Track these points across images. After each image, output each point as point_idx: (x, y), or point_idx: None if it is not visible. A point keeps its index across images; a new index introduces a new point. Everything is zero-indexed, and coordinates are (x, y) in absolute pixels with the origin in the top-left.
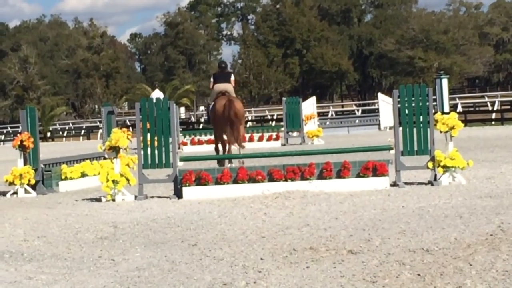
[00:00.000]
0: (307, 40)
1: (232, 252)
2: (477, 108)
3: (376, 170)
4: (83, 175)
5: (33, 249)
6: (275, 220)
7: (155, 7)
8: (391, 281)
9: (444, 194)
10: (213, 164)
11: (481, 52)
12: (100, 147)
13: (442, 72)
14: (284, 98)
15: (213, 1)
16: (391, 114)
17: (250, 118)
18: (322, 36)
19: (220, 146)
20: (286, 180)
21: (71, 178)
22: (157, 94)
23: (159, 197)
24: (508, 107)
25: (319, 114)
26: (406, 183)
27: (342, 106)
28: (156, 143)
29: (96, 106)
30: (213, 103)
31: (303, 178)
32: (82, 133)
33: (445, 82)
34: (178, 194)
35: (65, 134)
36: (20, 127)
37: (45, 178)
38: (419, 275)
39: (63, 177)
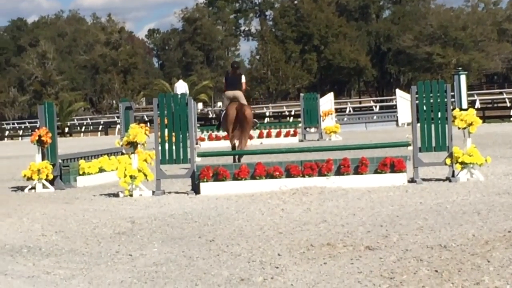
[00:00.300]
0: (325, 36)
1: (250, 248)
2: (495, 105)
3: (394, 166)
4: (101, 170)
5: (51, 244)
6: (292, 216)
7: (173, 2)
8: (408, 277)
9: (462, 190)
10: (231, 159)
11: (500, 48)
12: (118, 142)
13: (460, 68)
14: (302, 94)
15: None
16: (409, 110)
17: (267, 114)
18: (340, 32)
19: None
20: (303, 176)
21: (89, 173)
22: (180, 84)
23: (177, 192)
24: None
25: (336, 110)
26: (424, 180)
27: (360, 102)
28: (174, 138)
29: (114, 102)
30: (225, 110)
31: (320, 174)
32: (100, 128)
33: (463, 78)
34: (196, 189)
35: (83, 129)
36: (38, 122)
37: (63, 173)
38: (436, 271)
39: (81, 172)
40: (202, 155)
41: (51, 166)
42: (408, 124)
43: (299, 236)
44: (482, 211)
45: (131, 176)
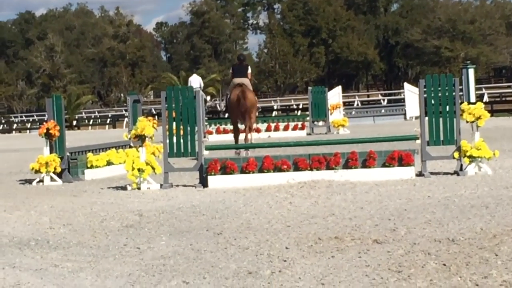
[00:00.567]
0: (333, 29)
1: (257, 241)
2: (503, 98)
3: (402, 160)
4: (109, 163)
5: (58, 237)
6: (300, 209)
7: None
8: (416, 271)
9: (470, 184)
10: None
11: (508, 42)
12: (126, 135)
13: (468, 62)
14: (309, 88)
15: None
16: (417, 104)
17: (275, 107)
18: (348, 26)
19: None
20: (311, 170)
21: (96, 167)
22: (194, 78)
23: (185, 185)
24: None
25: (344, 103)
26: (431, 173)
27: (368, 96)
28: (181, 132)
29: (122, 95)
30: (229, 94)
31: (328, 168)
32: (107, 121)
33: (471, 72)
34: (204, 182)
35: (90, 122)
36: (46, 115)
37: (71, 166)
38: (444, 265)
39: (88, 165)
40: (210, 148)
41: (59, 159)
42: (416, 118)
43: (307, 230)
44: (490, 205)
45: (139, 169)
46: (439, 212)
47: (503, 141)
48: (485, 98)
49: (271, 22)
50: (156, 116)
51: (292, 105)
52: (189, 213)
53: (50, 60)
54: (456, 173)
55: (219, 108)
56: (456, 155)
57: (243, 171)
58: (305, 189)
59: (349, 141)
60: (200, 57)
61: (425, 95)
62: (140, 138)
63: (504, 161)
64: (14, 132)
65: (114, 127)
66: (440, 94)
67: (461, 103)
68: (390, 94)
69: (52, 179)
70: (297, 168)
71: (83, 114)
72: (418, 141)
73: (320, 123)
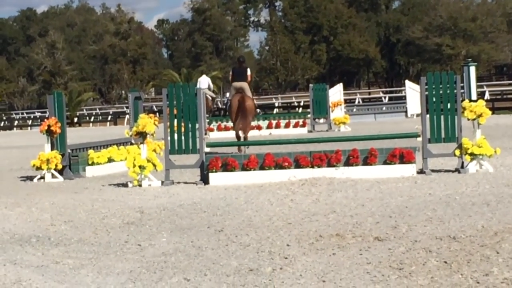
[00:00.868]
0: (334, 27)
1: (259, 238)
2: (505, 96)
3: (403, 157)
4: (110, 160)
5: (60, 234)
6: (301, 206)
7: None
8: (417, 268)
9: (471, 181)
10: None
11: (509, 39)
12: (127, 132)
13: (469, 59)
14: (311, 85)
15: None
16: (418, 101)
17: (277, 104)
18: (350, 23)
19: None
20: (312, 167)
21: (98, 163)
22: (204, 79)
23: (186, 182)
24: None
25: (346, 101)
26: (433, 171)
27: (369, 93)
28: (183, 129)
29: (123, 92)
30: (230, 100)
31: (329, 165)
32: (109, 118)
33: (472, 69)
34: (205, 180)
35: (92, 119)
36: (48, 112)
37: (72, 163)
38: (445, 262)
39: (90, 162)
40: (211, 145)
41: (60, 156)
42: (417, 115)
43: (308, 227)
44: (491, 203)
45: (140, 166)
46: (440, 209)
47: (504, 138)
48: (486, 96)
49: (273, 19)
50: (157, 113)
51: (293, 102)
52: (190, 210)
53: (51, 57)
54: (457, 170)
55: (220, 105)
56: (457, 152)
57: (244, 168)
58: (306, 187)
59: (350, 139)
60: (201, 55)
61: (427, 93)
62: (141, 135)
63: (506, 158)
64: (15, 129)
65: (115, 124)
66: (441, 92)
67: (462, 100)
68: (391, 92)
69: (53, 176)
70: (298, 166)
71: (84, 111)
72: (419, 139)
73: (321, 120)
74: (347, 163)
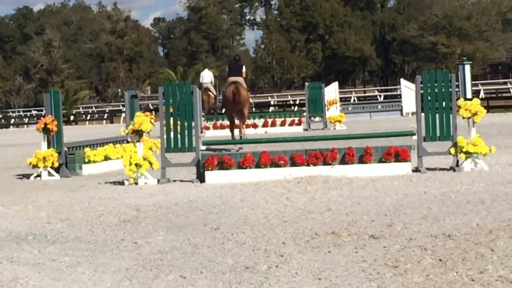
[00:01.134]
0: (330, 25)
1: (254, 236)
2: (499, 95)
3: (398, 155)
4: (106, 158)
5: (56, 232)
6: (297, 204)
7: None
8: (412, 266)
9: (466, 180)
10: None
11: (504, 38)
12: (124, 130)
13: (464, 58)
14: (306, 83)
15: None
16: (413, 99)
17: (272, 103)
18: (345, 22)
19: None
20: (308, 165)
21: (94, 161)
22: (206, 74)
23: (182, 181)
24: None
25: (341, 99)
26: (428, 169)
27: (365, 92)
28: (179, 127)
29: (119, 90)
30: (224, 91)
31: (325, 163)
32: (105, 116)
33: (467, 68)
34: (201, 178)
35: (88, 117)
36: (44, 110)
37: (69, 161)
38: (440, 260)
39: (86, 160)
40: (207, 143)
41: (57, 154)
42: (413, 114)
43: (303, 225)
44: (486, 201)
45: (136, 164)
46: (435, 207)
47: (499, 137)
48: (481, 94)
49: (268, 18)
50: (154, 111)
51: (289, 100)
52: (186, 208)
53: (48, 55)
54: (452, 169)
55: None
56: (453, 151)
57: (240, 166)
58: (302, 185)
59: (346, 137)
60: (197, 53)
61: (422, 91)
62: (138, 133)
63: (500, 157)
64: (11, 127)
65: (112, 122)
66: (436, 90)
67: (457, 99)
68: (386, 90)
69: (49, 174)
70: (294, 164)
71: (81, 109)
72: (415, 137)
73: (317, 118)
74: (343, 162)
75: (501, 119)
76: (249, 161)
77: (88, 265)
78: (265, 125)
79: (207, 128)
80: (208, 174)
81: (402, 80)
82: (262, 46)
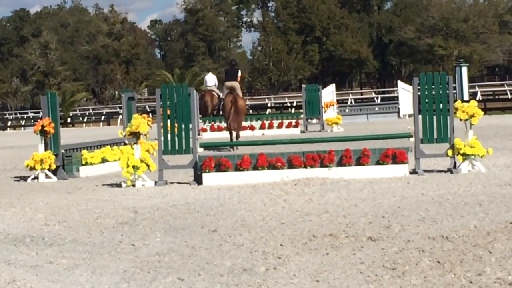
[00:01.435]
0: (327, 27)
1: (252, 238)
2: (496, 97)
3: (396, 157)
4: (104, 160)
5: (53, 234)
6: (294, 206)
7: None
8: (410, 268)
9: (463, 182)
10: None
11: (501, 40)
12: (121, 132)
13: (461, 60)
14: (303, 85)
15: None
16: (410, 101)
17: (269, 105)
18: (342, 24)
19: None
20: (305, 167)
21: (91, 164)
22: (210, 77)
23: (179, 183)
24: None
25: (338, 101)
26: (425, 171)
27: (362, 94)
28: (176, 129)
29: (116, 92)
30: (222, 100)
31: (322, 165)
32: (102, 119)
33: (464, 70)
34: (198, 180)
35: (85, 119)
36: (41, 112)
37: (66, 163)
38: (438, 262)
39: (83, 163)
40: (205, 145)
41: (54, 156)
42: (410, 116)
43: (301, 227)
44: (483, 203)
45: (133, 167)
46: (433, 209)
47: (496, 139)
48: (478, 96)
49: (265, 20)
50: (151, 114)
51: (286, 102)
52: (183, 210)
53: (45, 57)
54: (449, 170)
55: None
56: (450, 153)
57: (238, 168)
58: (299, 187)
59: (343, 139)
60: (194, 55)
61: (419, 93)
62: (135, 135)
63: (498, 159)
64: (8, 129)
65: (109, 124)
66: (433, 92)
67: (455, 101)
68: (383, 92)
69: (47, 176)
70: (291, 166)
71: (78, 112)
72: (412, 139)
73: (314, 120)
74: (340, 163)
75: (498, 121)
76: (246, 163)
77: (85, 267)
78: (262, 127)
79: (204, 130)
80: (205, 176)
81: (399, 82)
82: (259, 48)
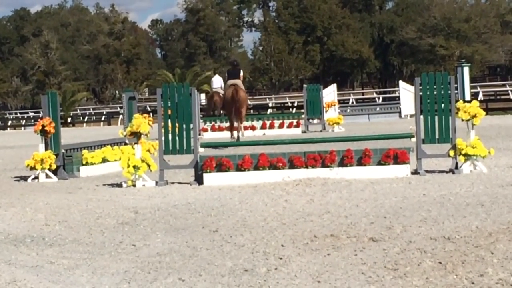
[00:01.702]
0: (328, 27)
1: (253, 239)
2: (498, 97)
3: (397, 157)
4: (104, 160)
5: (54, 234)
6: (296, 207)
7: None
8: (412, 269)
9: (465, 182)
10: (234, 150)
11: (503, 40)
12: (122, 132)
13: (463, 60)
14: (304, 85)
15: None
16: (411, 102)
17: (270, 105)
18: (343, 24)
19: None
20: (307, 167)
21: (92, 164)
22: (216, 79)
23: (180, 183)
24: None
25: (339, 101)
26: (427, 171)
27: (363, 94)
28: (177, 129)
29: (117, 92)
30: (224, 93)
31: (324, 165)
32: (102, 118)
33: (466, 70)
34: (199, 180)
35: (85, 119)
36: (42, 112)
37: (66, 163)
38: (440, 263)
39: (84, 162)
40: (206, 145)
41: (54, 156)
42: (411, 116)
43: (302, 227)
44: (485, 203)
45: (134, 166)
46: (434, 210)
47: (498, 139)
48: (480, 97)
49: (266, 19)
50: (151, 113)
51: (287, 102)
52: (184, 211)
53: (45, 57)
54: (451, 171)
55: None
56: (452, 153)
57: (239, 168)
58: (301, 187)
59: (344, 139)
60: (195, 55)
61: (421, 93)
62: (136, 135)
63: (499, 159)
64: (8, 129)
65: (109, 124)
66: (435, 92)
67: (456, 101)
68: (385, 92)
69: (47, 176)
70: (292, 166)
71: (78, 111)
72: (414, 139)
73: (315, 121)
74: (341, 164)
75: (500, 121)
76: (247, 163)
77: (86, 267)
78: (263, 127)
79: (205, 130)
80: (206, 176)
81: (400, 82)
82: (260, 48)
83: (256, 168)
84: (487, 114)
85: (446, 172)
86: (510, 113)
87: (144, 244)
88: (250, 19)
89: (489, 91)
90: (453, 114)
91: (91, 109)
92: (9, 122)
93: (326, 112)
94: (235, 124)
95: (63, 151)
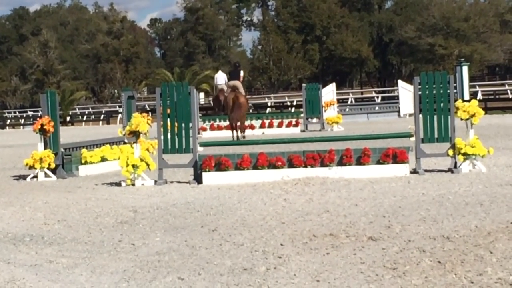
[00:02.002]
0: (327, 26)
1: (252, 238)
2: (497, 96)
3: (396, 157)
4: (103, 159)
5: (53, 233)
6: (295, 206)
7: None
8: (411, 268)
9: (464, 181)
10: (233, 149)
11: (502, 39)
12: (121, 131)
13: (462, 59)
14: (304, 85)
15: None
16: (411, 101)
17: (269, 104)
18: (342, 23)
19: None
20: (306, 166)
21: (91, 163)
22: (220, 75)
23: (179, 182)
24: None
25: (338, 100)
26: (426, 170)
27: (362, 93)
28: (176, 128)
29: (116, 91)
30: (226, 97)
31: (323, 165)
32: (101, 117)
33: (465, 69)
34: (198, 179)
35: (84, 118)
36: (41, 111)
37: (65, 162)
38: (439, 262)
39: (83, 161)
40: (205, 144)
41: (53, 155)
42: (410, 115)
43: (301, 226)
44: (484, 202)
45: (133, 166)
46: (433, 209)
47: (497, 138)
48: (479, 96)
49: (265, 19)
50: (150, 112)
51: (286, 102)
52: (183, 210)
53: (44, 56)
54: (450, 170)
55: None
56: (451, 152)
57: (238, 167)
58: (300, 186)
59: (344, 138)
60: (194, 54)
61: (420, 92)
62: (135, 134)
63: (498, 158)
64: (7, 128)
65: (108, 123)
66: (434, 92)
67: (455, 100)
68: (384, 92)
69: (46, 175)
70: (291, 165)
71: (77, 110)
72: (413, 139)
73: (314, 120)
74: (341, 163)
75: (499, 121)
76: (246, 163)
77: (85, 266)
78: (262, 126)
79: (204, 129)
80: (205, 176)
81: (399, 81)
82: (259, 47)
83: (255, 167)
84: (486, 113)
85: (445, 171)
86: (509, 112)
87: (143, 243)
88: (249, 18)
89: (488, 91)
90: (452, 113)
91: (90, 108)
92: (8, 121)
93: (325, 111)
94: (238, 124)
95: (62, 150)
